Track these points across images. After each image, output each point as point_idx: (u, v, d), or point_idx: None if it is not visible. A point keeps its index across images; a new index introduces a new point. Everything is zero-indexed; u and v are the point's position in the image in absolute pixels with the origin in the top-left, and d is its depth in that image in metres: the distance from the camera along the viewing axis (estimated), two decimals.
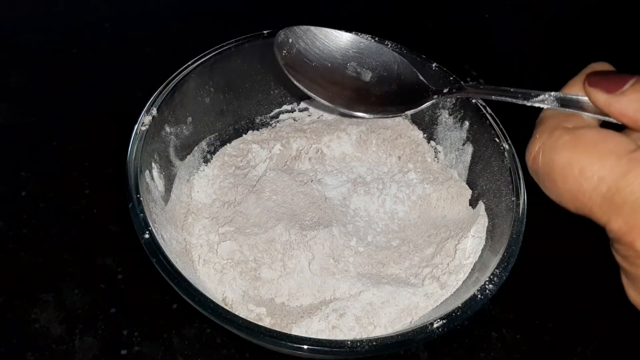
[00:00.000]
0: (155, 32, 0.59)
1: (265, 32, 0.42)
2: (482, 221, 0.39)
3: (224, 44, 0.41)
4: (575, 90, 0.26)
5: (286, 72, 0.36)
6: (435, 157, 0.45)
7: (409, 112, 0.36)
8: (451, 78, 0.41)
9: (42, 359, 0.38)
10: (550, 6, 0.68)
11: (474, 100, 0.40)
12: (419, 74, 0.37)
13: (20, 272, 0.41)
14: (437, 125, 0.44)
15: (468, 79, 0.57)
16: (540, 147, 0.24)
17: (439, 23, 0.64)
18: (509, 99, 0.29)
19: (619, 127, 0.24)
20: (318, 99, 0.36)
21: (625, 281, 0.23)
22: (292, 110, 0.47)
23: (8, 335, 0.38)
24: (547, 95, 0.27)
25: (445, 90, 0.35)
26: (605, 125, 0.24)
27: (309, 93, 0.36)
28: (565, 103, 0.26)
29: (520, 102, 0.28)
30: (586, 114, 0.25)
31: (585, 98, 0.25)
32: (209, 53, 0.40)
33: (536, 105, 0.27)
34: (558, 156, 0.23)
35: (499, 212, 0.37)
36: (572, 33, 0.64)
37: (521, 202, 0.35)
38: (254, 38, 0.41)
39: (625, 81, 0.23)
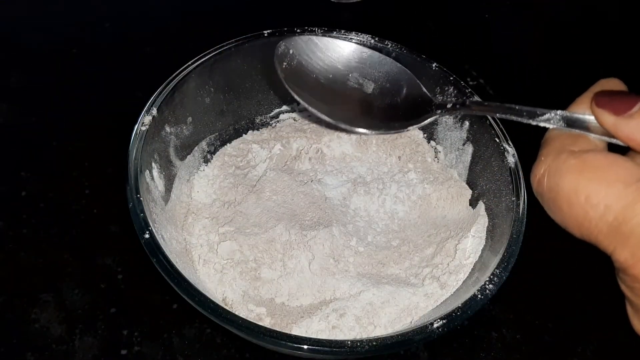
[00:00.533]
0: (155, 32, 0.59)
1: (265, 32, 0.42)
2: (482, 221, 0.39)
3: (224, 44, 0.41)
4: (582, 108, 0.25)
5: (286, 86, 0.35)
6: (436, 157, 0.45)
7: (411, 128, 0.35)
8: (451, 78, 0.41)
9: (42, 359, 0.38)
10: (550, 6, 0.68)
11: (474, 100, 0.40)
12: (422, 86, 0.36)
13: (20, 272, 0.41)
14: (437, 125, 0.44)
15: (468, 79, 0.57)
16: (546, 170, 0.23)
17: (439, 23, 0.64)
18: (513, 117, 0.29)
19: (626, 149, 0.23)
20: (319, 114, 0.35)
21: (630, 310, 0.23)
22: (292, 110, 0.47)
23: (8, 335, 0.38)
24: (552, 114, 0.26)
25: (448, 106, 0.35)
26: (612, 147, 0.24)
27: (310, 108, 0.35)
28: (571, 123, 0.25)
29: (525, 120, 0.28)
30: (593, 135, 0.24)
31: (592, 118, 0.24)
32: (209, 53, 0.40)
33: (541, 124, 0.26)
34: (564, 181, 0.22)
35: (499, 212, 0.37)
36: (572, 33, 0.64)
37: (521, 202, 0.35)
38: (254, 38, 0.41)
39: (633, 103, 0.22)
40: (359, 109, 0.36)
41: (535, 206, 0.35)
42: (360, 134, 0.36)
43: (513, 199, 0.35)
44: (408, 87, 0.37)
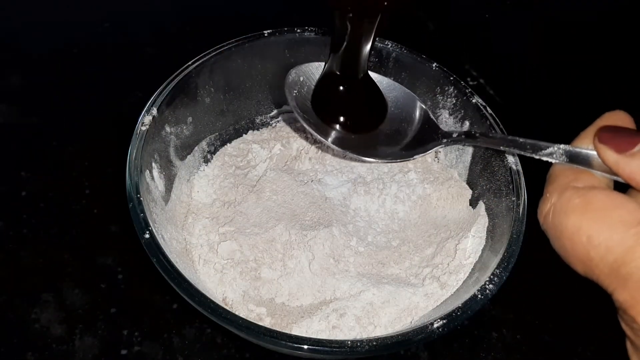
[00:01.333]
0: (155, 32, 0.59)
1: (265, 32, 0.42)
2: (482, 221, 0.39)
3: (224, 44, 0.41)
4: (587, 142, 0.25)
5: (297, 114, 0.35)
6: (436, 157, 0.45)
7: (418, 157, 0.36)
8: (451, 78, 0.41)
9: (42, 359, 0.38)
10: (550, 6, 0.68)
11: (474, 100, 0.40)
12: (430, 113, 0.37)
13: (20, 272, 0.41)
14: None
15: (468, 79, 0.57)
16: (551, 207, 0.24)
17: (439, 23, 0.64)
18: (516, 151, 0.29)
19: (627, 185, 0.24)
20: (329, 143, 0.35)
21: (629, 348, 0.24)
22: (293, 111, 0.47)
23: (8, 335, 0.38)
24: (555, 149, 0.26)
25: (454, 136, 0.35)
26: (617, 185, 0.24)
27: (320, 137, 0.35)
28: (573, 158, 0.25)
29: (528, 154, 0.28)
30: (596, 171, 0.24)
31: (595, 154, 0.24)
32: (209, 53, 0.40)
33: (544, 159, 0.27)
34: (567, 220, 0.23)
35: (499, 212, 0.37)
36: (572, 33, 0.64)
37: (521, 202, 0.35)
38: (254, 38, 0.41)
39: (636, 141, 0.22)
40: (367, 135, 0.36)
41: (535, 206, 0.35)
42: (369, 162, 0.36)
43: (513, 199, 0.35)
44: (416, 113, 0.37)
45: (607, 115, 0.25)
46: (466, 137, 0.34)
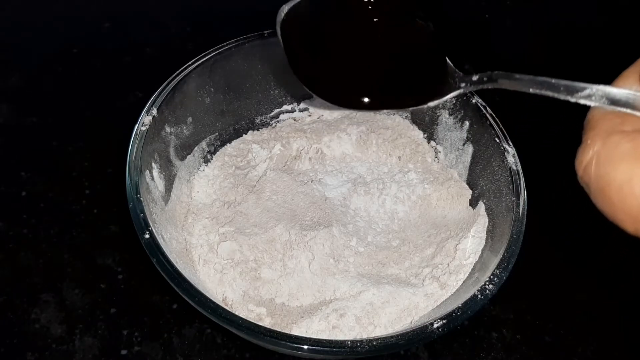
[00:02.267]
0: (156, 32, 0.59)
1: (265, 32, 0.42)
2: (482, 221, 0.39)
3: (224, 44, 0.41)
4: (630, 83, 0.22)
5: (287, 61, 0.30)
6: (436, 157, 0.45)
7: (432, 104, 0.30)
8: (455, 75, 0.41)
9: (42, 359, 0.38)
10: (550, 6, 0.68)
11: (473, 100, 0.40)
12: (445, 57, 0.31)
13: (20, 272, 0.41)
14: (437, 125, 0.44)
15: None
16: (594, 155, 0.20)
17: (438, 23, 0.64)
18: (549, 93, 0.25)
19: None
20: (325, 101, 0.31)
21: None
22: (292, 110, 0.47)
23: (8, 335, 0.38)
24: (595, 89, 0.22)
25: (475, 79, 0.30)
26: None
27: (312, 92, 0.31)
28: (615, 101, 0.22)
29: (562, 97, 0.24)
30: None
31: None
32: (209, 53, 0.40)
33: (581, 102, 0.23)
34: (616, 169, 0.20)
35: (499, 212, 0.37)
36: (572, 33, 0.64)
37: (521, 202, 0.35)
38: (254, 38, 0.41)
39: None
40: (368, 78, 0.30)
41: (535, 206, 0.36)
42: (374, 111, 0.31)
43: (513, 199, 0.35)
44: (428, 52, 0.31)
45: None
46: (488, 80, 0.29)
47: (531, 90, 0.26)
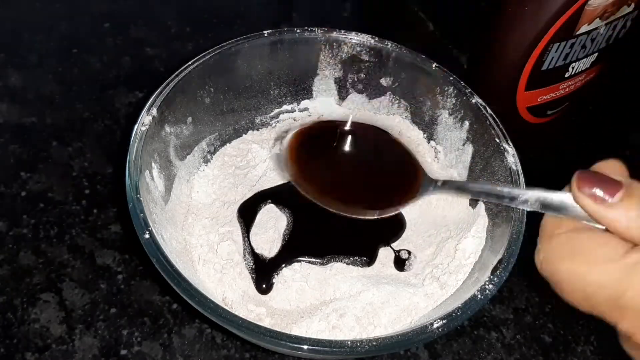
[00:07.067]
0: (155, 32, 0.59)
1: (265, 32, 0.42)
2: (482, 221, 0.39)
3: (224, 44, 0.41)
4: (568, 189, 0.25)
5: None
6: (436, 157, 0.45)
7: (408, 205, 0.33)
8: (451, 78, 0.41)
9: (42, 359, 0.38)
10: None
11: (473, 100, 0.40)
12: (417, 159, 0.35)
13: (20, 272, 0.41)
14: (437, 125, 0.44)
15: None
16: (544, 257, 0.25)
17: (439, 23, 0.64)
18: (495, 200, 0.29)
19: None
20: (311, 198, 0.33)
21: None
22: (292, 110, 0.47)
23: (8, 335, 0.38)
24: (529, 195, 0.26)
25: (439, 184, 0.33)
26: None
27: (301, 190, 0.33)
28: (546, 205, 0.25)
29: (506, 204, 0.28)
30: (574, 216, 0.24)
31: (567, 199, 0.24)
32: (209, 53, 0.40)
33: (520, 207, 0.27)
34: (559, 268, 0.24)
35: (499, 212, 0.37)
36: None
37: None
38: (254, 38, 0.41)
39: (615, 190, 0.23)
40: (352, 189, 0.34)
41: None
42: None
43: None
44: (401, 159, 0.35)
45: (599, 164, 0.25)
46: (443, 186, 0.33)
47: (481, 199, 0.30)
